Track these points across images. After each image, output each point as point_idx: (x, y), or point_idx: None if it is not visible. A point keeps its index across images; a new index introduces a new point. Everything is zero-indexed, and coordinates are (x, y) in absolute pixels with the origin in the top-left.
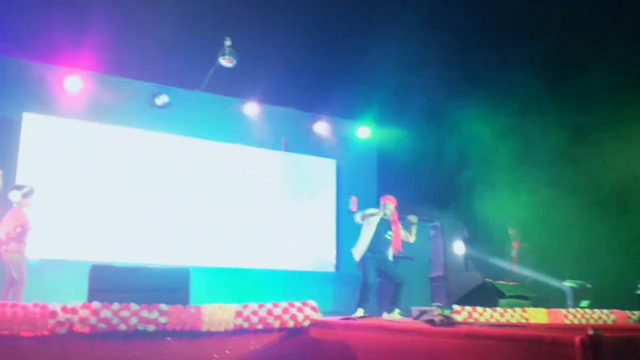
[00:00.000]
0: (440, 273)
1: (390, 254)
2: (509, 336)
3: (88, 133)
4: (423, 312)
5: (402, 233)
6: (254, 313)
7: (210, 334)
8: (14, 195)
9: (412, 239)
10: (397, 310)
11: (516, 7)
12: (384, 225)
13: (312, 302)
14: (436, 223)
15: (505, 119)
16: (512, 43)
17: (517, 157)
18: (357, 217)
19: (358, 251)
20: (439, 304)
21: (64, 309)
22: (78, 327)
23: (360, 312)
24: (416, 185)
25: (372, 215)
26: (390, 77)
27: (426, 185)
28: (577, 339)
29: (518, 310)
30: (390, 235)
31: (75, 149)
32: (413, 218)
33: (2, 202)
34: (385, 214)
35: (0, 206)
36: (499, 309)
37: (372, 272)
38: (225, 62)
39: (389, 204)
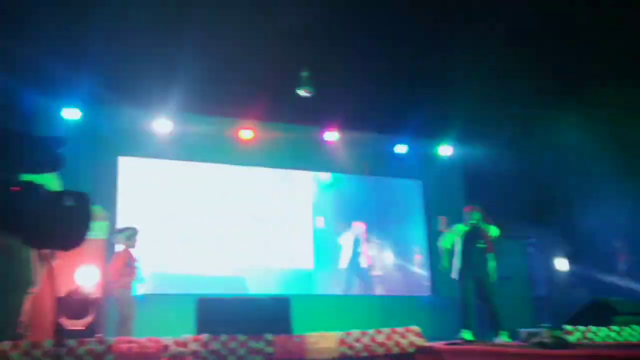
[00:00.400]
0: (544, 292)
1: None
2: (638, 357)
3: (179, 171)
4: (532, 334)
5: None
6: (358, 340)
7: None
8: (118, 238)
9: (494, 232)
10: (503, 333)
11: (607, 9)
12: (473, 235)
13: (416, 328)
14: (533, 239)
15: (604, 126)
16: (605, 45)
17: (619, 165)
18: (443, 247)
19: (454, 269)
20: (548, 324)
21: (176, 343)
22: None
23: (466, 334)
24: (508, 201)
25: (451, 230)
26: (474, 91)
27: (519, 200)
28: None
29: (637, 328)
30: (483, 243)
31: (168, 187)
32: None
33: (109, 243)
34: (472, 224)
35: (108, 247)
36: (614, 328)
37: (469, 290)
38: (304, 93)
39: (475, 213)
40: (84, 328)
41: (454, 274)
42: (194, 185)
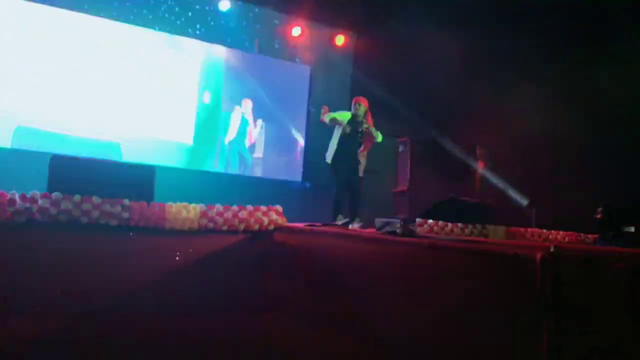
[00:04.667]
0: (405, 188)
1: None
2: (472, 250)
3: (52, 17)
4: (386, 224)
5: (373, 132)
6: (220, 214)
7: (174, 233)
8: None
9: (379, 138)
10: (357, 219)
11: None
12: (354, 125)
13: (279, 207)
14: (406, 139)
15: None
16: None
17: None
18: (325, 119)
19: (329, 154)
20: (401, 216)
21: (23, 198)
22: (37, 217)
23: (340, 218)
24: (391, 99)
25: (339, 124)
26: None
27: (400, 99)
28: (539, 255)
29: (478, 226)
30: (361, 137)
31: (38, 33)
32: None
33: None
34: (357, 115)
35: None
36: (459, 225)
37: (342, 177)
38: None
39: (362, 105)
40: None
41: (328, 159)
42: (72, 37)
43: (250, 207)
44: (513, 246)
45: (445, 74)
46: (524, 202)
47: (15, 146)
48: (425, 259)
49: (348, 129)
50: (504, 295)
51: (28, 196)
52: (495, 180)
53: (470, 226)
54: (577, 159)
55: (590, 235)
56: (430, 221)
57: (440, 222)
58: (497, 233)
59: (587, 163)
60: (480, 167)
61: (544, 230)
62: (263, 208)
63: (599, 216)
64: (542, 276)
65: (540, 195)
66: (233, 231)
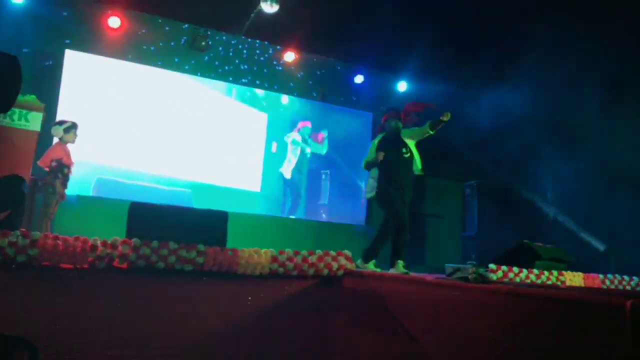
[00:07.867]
0: (473, 233)
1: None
2: (554, 297)
3: (130, 73)
4: (457, 270)
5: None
6: (290, 259)
7: (245, 277)
8: (56, 130)
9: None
10: (400, 263)
11: None
12: (393, 142)
13: (347, 252)
14: (472, 182)
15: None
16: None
17: (562, 133)
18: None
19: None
20: (473, 262)
21: (105, 244)
22: (117, 263)
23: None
24: (454, 142)
25: (374, 162)
26: (432, 31)
27: (464, 143)
28: (628, 302)
29: (554, 272)
30: (407, 152)
31: (113, 87)
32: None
33: (46, 136)
34: (391, 130)
35: (40, 140)
36: (535, 271)
37: (399, 207)
38: (268, 7)
39: (392, 120)
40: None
41: (369, 193)
42: (146, 90)
43: (319, 252)
44: (597, 293)
45: (511, 116)
46: (601, 247)
47: (95, 194)
48: (502, 306)
49: (380, 156)
50: (592, 346)
51: (109, 242)
52: (569, 223)
53: (546, 272)
54: None
55: None
56: (505, 267)
57: (515, 268)
58: (574, 280)
59: None
60: (552, 211)
61: (625, 277)
62: (332, 253)
63: None
64: (634, 325)
65: (618, 240)
66: (302, 276)
